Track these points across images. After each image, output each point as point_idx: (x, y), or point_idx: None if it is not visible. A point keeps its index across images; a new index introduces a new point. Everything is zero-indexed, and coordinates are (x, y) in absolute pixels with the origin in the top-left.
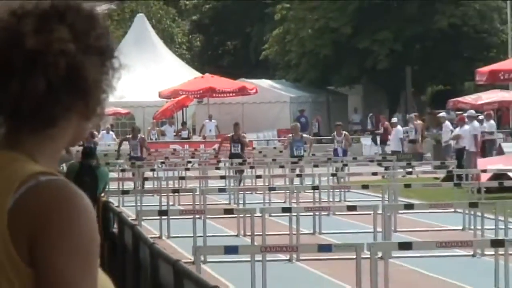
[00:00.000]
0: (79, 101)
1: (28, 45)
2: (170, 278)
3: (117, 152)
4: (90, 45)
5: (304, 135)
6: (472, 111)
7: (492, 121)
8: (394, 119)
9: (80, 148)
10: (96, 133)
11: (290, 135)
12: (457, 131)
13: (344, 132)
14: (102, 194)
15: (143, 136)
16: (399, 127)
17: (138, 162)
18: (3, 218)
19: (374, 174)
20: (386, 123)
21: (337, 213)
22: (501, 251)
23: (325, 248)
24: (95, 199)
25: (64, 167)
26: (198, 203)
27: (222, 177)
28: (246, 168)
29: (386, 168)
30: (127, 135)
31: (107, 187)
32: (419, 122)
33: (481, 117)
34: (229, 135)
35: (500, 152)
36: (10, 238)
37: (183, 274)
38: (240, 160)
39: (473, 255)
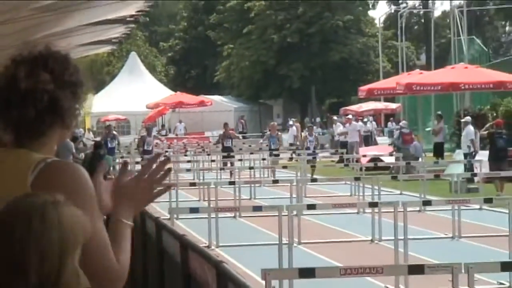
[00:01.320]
0: (58, 120)
1: (22, 87)
2: (153, 230)
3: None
4: (65, 80)
5: (278, 133)
6: (350, 116)
7: (360, 123)
8: (290, 122)
9: (93, 143)
10: (115, 133)
11: (268, 132)
12: (343, 129)
13: (314, 133)
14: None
15: (155, 134)
16: (294, 127)
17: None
18: (28, 191)
19: (291, 159)
20: (275, 123)
21: (266, 185)
22: (376, 210)
23: (258, 208)
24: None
25: (82, 155)
26: (172, 179)
27: (189, 161)
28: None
29: (298, 155)
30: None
31: (111, 169)
32: (297, 124)
33: (365, 119)
34: (221, 132)
35: (375, 143)
36: None
37: (162, 226)
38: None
39: (357, 213)
